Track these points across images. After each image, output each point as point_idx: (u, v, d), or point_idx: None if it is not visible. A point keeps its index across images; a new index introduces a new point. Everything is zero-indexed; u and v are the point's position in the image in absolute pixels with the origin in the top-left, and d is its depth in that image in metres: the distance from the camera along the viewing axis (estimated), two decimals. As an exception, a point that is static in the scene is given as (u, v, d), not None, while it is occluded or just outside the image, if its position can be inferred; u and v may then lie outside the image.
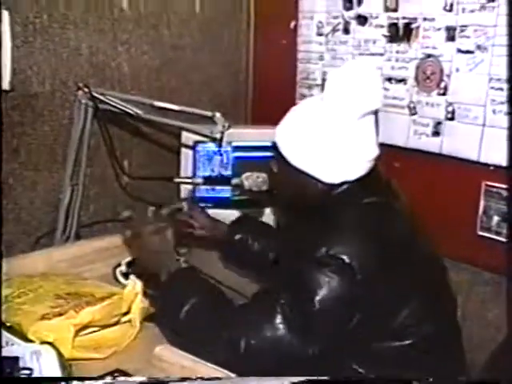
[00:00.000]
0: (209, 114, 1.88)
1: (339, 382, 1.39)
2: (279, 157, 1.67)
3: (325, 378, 1.27)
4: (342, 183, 1.62)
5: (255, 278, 2.01)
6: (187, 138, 2.27)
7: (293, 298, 1.50)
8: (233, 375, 1.37)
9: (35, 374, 1.32)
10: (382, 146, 1.71)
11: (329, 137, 1.60)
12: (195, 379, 1.29)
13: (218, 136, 1.89)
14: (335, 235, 1.54)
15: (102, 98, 2.06)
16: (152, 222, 1.82)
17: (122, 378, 1.39)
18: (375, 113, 1.64)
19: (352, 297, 1.50)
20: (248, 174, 1.87)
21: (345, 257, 1.49)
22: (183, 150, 2.31)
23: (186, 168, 2.31)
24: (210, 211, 2.29)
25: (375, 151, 1.65)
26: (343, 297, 1.49)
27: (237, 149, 2.32)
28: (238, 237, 2.04)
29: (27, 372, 1.29)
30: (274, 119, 1.72)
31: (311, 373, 1.52)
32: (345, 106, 1.58)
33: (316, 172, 1.62)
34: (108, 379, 1.35)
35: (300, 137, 1.62)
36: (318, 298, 1.48)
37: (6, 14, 2.00)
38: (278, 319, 1.48)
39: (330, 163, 1.61)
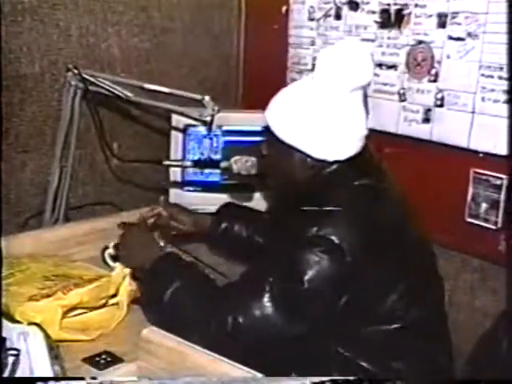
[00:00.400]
0: (198, 97, 1.88)
1: (365, 381, 1.39)
2: (270, 136, 1.67)
3: (350, 378, 1.26)
4: (333, 162, 1.62)
5: (245, 263, 2.01)
6: (178, 121, 2.27)
7: (281, 276, 1.50)
8: (225, 359, 1.36)
9: (22, 355, 1.31)
10: (372, 132, 1.72)
11: (319, 111, 1.60)
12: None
13: (207, 119, 1.89)
14: (325, 216, 1.54)
15: (91, 79, 2.05)
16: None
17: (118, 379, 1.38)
18: (365, 94, 1.65)
19: (341, 277, 1.50)
20: (237, 157, 1.86)
21: (334, 238, 1.49)
22: (173, 133, 2.30)
23: (175, 151, 2.30)
24: (199, 195, 2.31)
25: (365, 129, 1.65)
26: (332, 277, 1.49)
27: (227, 133, 2.32)
28: (223, 225, 2.03)
29: (14, 352, 1.29)
30: (264, 104, 1.72)
31: (297, 353, 1.54)
32: (335, 80, 1.59)
33: (306, 147, 1.61)
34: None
35: (290, 112, 1.63)
36: (306, 277, 1.48)
37: (-6, -6, 1.98)
38: (266, 297, 1.48)
39: (320, 138, 1.61)
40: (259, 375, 1.26)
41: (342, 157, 1.62)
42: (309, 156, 1.62)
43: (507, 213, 1.96)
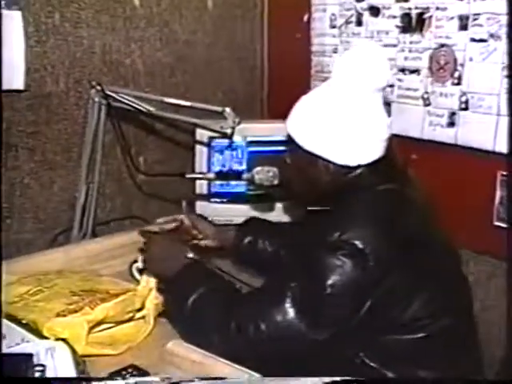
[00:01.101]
0: (219, 109, 1.89)
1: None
2: (292, 144, 1.67)
3: (361, 379, 1.25)
4: (356, 167, 1.61)
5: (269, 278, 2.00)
6: (201, 134, 2.28)
7: (304, 281, 1.50)
8: (247, 371, 1.36)
9: (49, 371, 1.32)
10: (397, 137, 1.70)
11: (338, 117, 1.60)
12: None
13: (228, 131, 1.89)
14: (349, 221, 1.54)
15: (114, 95, 2.07)
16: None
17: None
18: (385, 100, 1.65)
19: (364, 283, 1.49)
20: (259, 168, 1.86)
21: (358, 242, 1.48)
22: (198, 146, 2.31)
23: (200, 164, 2.31)
24: (226, 206, 2.31)
25: (387, 131, 1.63)
26: (355, 282, 1.48)
27: (251, 143, 2.32)
28: (247, 240, 2.02)
29: (40, 369, 1.30)
30: (289, 113, 1.72)
31: (320, 360, 1.53)
32: (353, 84, 1.59)
33: (328, 154, 1.61)
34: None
35: (310, 120, 1.63)
36: (329, 282, 1.47)
37: (18, 15, 2.01)
38: (288, 303, 1.48)
39: (342, 144, 1.60)
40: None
41: (365, 161, 1.61)
42: (331, 162, 1.62)
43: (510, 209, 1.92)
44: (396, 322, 1.55)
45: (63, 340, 1.43)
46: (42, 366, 1.31)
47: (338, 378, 1.19)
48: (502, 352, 1.63)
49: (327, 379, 1.19)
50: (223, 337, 1.51)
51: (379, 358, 1.55)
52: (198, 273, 1.68)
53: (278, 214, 2.29)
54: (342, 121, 1.60)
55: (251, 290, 1.68)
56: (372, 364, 1.55)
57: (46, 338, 1.49)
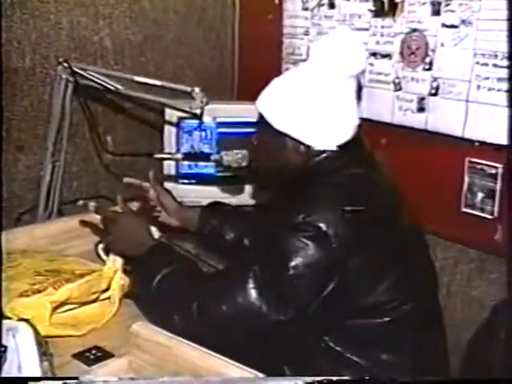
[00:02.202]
0: (187, 89, 1.86)
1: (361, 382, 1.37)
2: (262, 124, 1.67)
3: (345, 378, 1.24)
4: (324, 151, 1.61)
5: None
6: (171, 114, 2.25)
7: (266, 263, 1.50)
8: (214, 354, 1.35)
9: (11, 352, 1.30)
10: (367, 122, 1.70)
11: (311, 99, 1.61)
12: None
13: (197, 111, 1.87)
14: (314, 203, 1.53)
15: (82, 72, 2.03)
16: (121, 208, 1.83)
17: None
18: (358, 84, 1.65)
19: (326, 264, 1.48)
20: (227, 150, 1.85)
21: (322, 224, 1.48)
22: (167, 126, 2.29)
23: (169, 144, 2.29)
24: (194, 188, 2.29)
25: (356, 117, 1.65)
26: (318, 264, 1.48)
27: (221, 125, 2.29)
28: (210, 225, 2.01)
29: (1, 349, 1.28)
30: (260, 94, 1.71)
31: (286, 346, 1.52)
32: (328, 68, 1.60)
33: (298, 134, 1.61)
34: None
35: (282, 99, 1.63)
36: (292, 263, 1.47)
37: (-17, -13, 1.96)
38: (250, 284, 1.47)
39: (313, 125, 1.61)
40: (246, 369, 1.25)
41: (334, 144, 1.61)
42: (301, 143, 1.62)
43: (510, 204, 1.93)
44: (360, 305, 1.54)
45: (26, 321, 1.41)
46: (4, 346, 1.29)
47: (319, 378, 1.18)
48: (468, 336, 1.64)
49: (309, 379, 1.18)
50: (185, 317, 1.50)
51: (344, 342, 1.55)
52: (164, 253, 1.67)
53: (246, 196, 2.28)
54: (314, 102, 1.60)
55: (214, 271, 1.67)
56: (337, 348, 1.55)
57: (9, 318, 1.47)
